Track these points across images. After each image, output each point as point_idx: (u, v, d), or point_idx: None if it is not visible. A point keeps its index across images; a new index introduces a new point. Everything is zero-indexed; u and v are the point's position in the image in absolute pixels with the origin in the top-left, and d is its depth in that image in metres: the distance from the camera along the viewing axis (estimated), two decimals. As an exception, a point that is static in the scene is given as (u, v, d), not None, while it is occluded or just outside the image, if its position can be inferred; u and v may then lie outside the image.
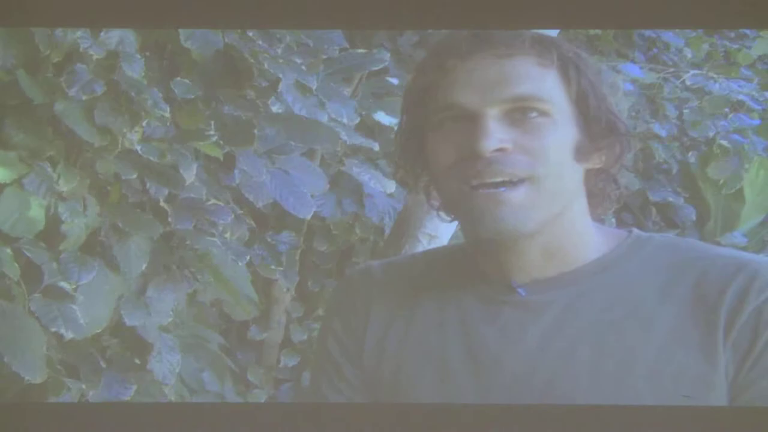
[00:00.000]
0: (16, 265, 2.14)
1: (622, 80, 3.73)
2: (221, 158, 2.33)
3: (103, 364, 2.30)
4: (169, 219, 2.30)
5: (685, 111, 4.04)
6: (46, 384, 2.15)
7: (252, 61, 2.30)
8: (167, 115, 2.20)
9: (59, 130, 2.18)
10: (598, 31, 3.93)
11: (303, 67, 2.39)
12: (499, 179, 1.16)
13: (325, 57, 2.47)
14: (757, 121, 3.89)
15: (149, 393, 2.41)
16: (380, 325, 1.29)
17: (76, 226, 2.19)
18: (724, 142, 3.89)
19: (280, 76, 2.30)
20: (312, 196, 2.49)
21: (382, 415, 1.28)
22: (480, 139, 1.16)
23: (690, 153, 4.18)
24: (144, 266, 2.26)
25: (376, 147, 2.78)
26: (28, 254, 2.15)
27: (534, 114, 1.17)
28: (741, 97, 3.92)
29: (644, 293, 1.20)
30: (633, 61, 3.97)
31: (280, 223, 2.89)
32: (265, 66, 2.30)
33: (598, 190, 1.24)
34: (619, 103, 1.24)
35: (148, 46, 2.35)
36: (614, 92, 1.23)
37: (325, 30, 2.47)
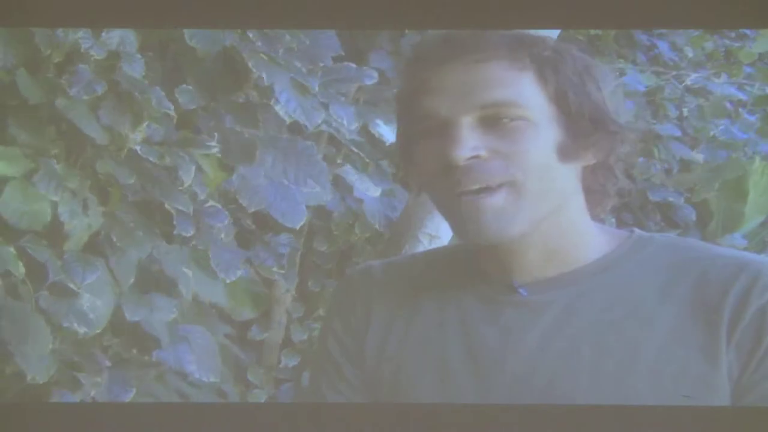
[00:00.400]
0: (20, 263, 2.14)
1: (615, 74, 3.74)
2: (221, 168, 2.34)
3: (108, 363, 2.30)
4: (174, 222, 2.30)
5: (685, 111, 4.05)
6: (50, 382, 2.16)
7: (250, 62, 2.30)
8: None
9: (61, 130, 2.18)
10: (599, 31, 3.93)
11: (303, 70, 2.39)
12: (477, 186, 1.16)
13: (321, 65, 2.47)
14: (753, 117, 3.88)
15: (151, 393, 2.41)
16: (381, 326, 1.29)
17: (78, 226, 2.20)
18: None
19: (269, 82, 2.30)
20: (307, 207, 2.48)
21: (382, 415, 1.28)
22: (453, 149, 1.15)
23: (694, 151, 4.18)
24: (132, 280, 2.26)
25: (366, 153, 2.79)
26: (31, 252, 2.16)
27: (508, 119, 1.16)
28: (742, 96, 3.92)
29: (645, 293, 1.19)
30: (634, 62, 3.97)
31: (281, 225, 2.89)
32: (260, 72, 2.29)
33: (597, 186, 1.24)
34: (611, 97, 1.22)
35: (150, 46, 2.35)
36: (604, 87, 1.21)
37: (322, 34, 2.47)
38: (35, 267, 2.16)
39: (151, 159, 2.21)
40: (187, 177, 2.22)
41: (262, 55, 2.33)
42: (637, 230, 1.27)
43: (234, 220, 2.50)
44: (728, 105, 4.05)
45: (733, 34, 4.28)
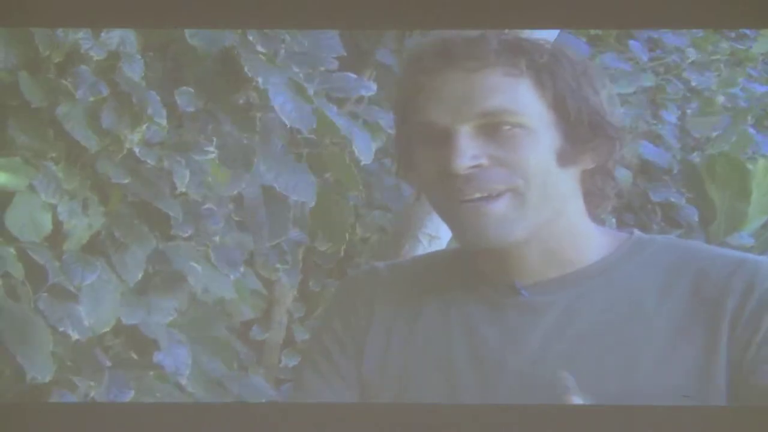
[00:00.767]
0: (20, 264, 2.14)
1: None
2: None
3: (108, 363, 2.31)
4: (172, 223, 2.30)
5: (688, 111, 4.04)
6: (50, 383, 2.16)
7: (246, 66, 2.30)
8: (164, 123, 2.20)
9: (61, 131, 2.18)
10: (599, 31, 3.93)
11: (301, 75, 2.39)
12: (479, 195, 1.17)
13: (322, 68, 2.47)
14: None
15: (152, 392, 2.41)
16: (383, 327, 1.29)
17: (77, 227, 2.20)
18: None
19: (264, 85, 2.30)
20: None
21: (383, 415, 1.28)
22: (453, 158, 1.16)
23: (695, 153, 4.18)
24: (140, 275, 2.26)
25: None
26: (31, 254, 2.16)
27: (508, 126, 1.16)
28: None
29: (645, 294, 1.20)
30: (635, 62, 3.96)
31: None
32: (255, 75, 2.29)
33: (596, 189, 1.24)
34: (608, 100, 1.22)
35: (151, 46, 2.36)
36: (601, 89, 1.21)
37: (323, 34, 2.47)
38: (35, 268, 2.16)
39: (149, 162, 2.20)
40: (181, 182, 2.23)
41: (261, 56, 2.33)
42: (636, 231, 1.27)
43: (238, 216, 2.50)
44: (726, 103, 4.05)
45: (733, 35, 4.28)
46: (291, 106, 2.35)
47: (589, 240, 1.24)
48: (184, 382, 2.39)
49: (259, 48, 2.34)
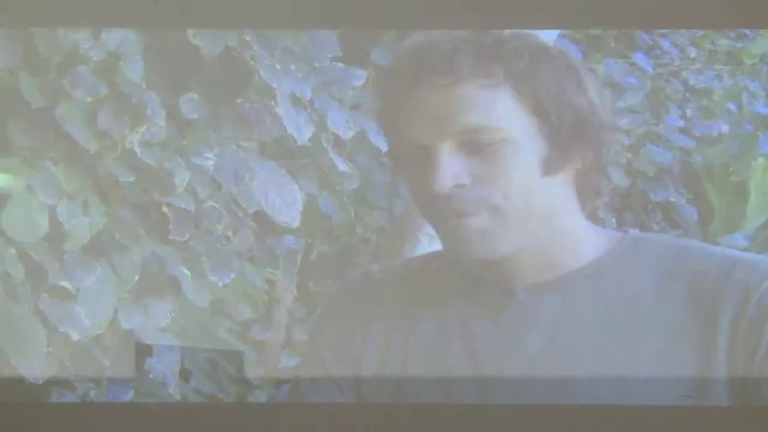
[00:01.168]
0: (21, 265, 2.14)
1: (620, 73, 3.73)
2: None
3: (107, 363, 2.31)
4: (170, 227, 2.31)
5: (689, 111, 4.04)
6: (50, 382, 2.16)
7: (252, 64, 2.30)
8: (162, 124, 2.21)
9: (60, 131, 2.18)
10: (599, 31, 3.92)
11: (298, 74, 2.40)
12: (461, 213, 1.15)
13: (317, 65, 2.48)
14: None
15: (152, 393, 2.41)
16: (381, 334, 1.28)
17: (78, 227, 2.20)
18: (725, 127, 3.87)
19: (274, 86, 2.31)
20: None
21: (383, 415, 1.28)
22: (435, 178, 1.14)
23: (696, 152, 4.17)
24: (136, 277, 2.26)
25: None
26: (32, 254, 2.16)
27: (489, 143, 1.14)
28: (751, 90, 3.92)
29: (641, 293, 1.19)
30: (642, 72, 3.96)
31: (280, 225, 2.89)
32: (261, 74, 2.30)
33: (590, 187, 1.22)
34: (597, 97, 1.19)
35: (151, 46, 2.36)
36: (589, 86, 1.18)
37: (320, 35, 2.47)
38: (35, 268, 2.16)
39: (149, 162, 2.21)
40: (182, 183, 2.23)
41: (265, 61, 2.34)
42: (631, 231, 1.26)
43: (234, 220, 2.50)
44: (732, 106, 4.04)
45: (733, 35, 4.28)
46: (288, 116, 2.36)
47: (583, 240, 1.23)
48: (171, 390, 2.39)
49: (257, 48, 2.34)
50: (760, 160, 4.04)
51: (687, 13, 1.52)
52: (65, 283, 2.18)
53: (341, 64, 2.56)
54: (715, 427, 1.18)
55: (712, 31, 4.14)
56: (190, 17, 1.74)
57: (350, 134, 2.61)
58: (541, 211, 1.18)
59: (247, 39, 2.33)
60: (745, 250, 3.93)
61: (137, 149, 2.21)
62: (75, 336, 2.16)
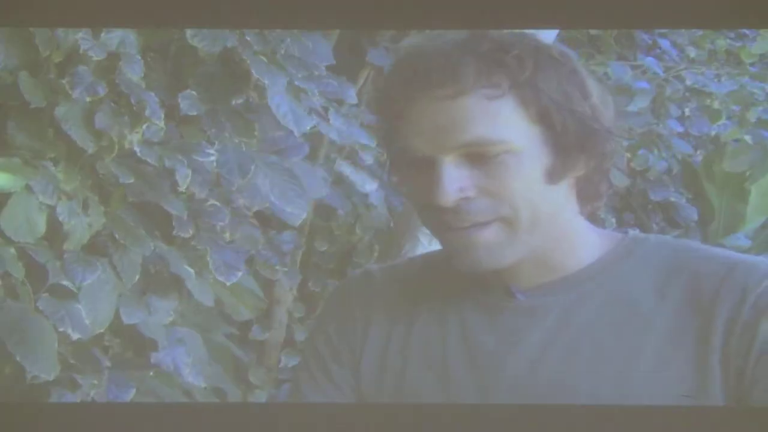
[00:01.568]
0: (20, 264, 2.14)
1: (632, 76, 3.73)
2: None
3: (108, 363, 2.31)
4: (174, 224, 2.31)
5: (687, 111, 4.04)
6: (50, 382, 2.16)
7: (248, 62, 2.31)
8: (161, 124, 2.21)
9: (61, 131, 2.18)
10: (599, 31, 3.92)
11: (300, 75, 2.40)
12: (467, 224, 1.14)
13: (316, 73, 2.48)
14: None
15: (154, 392, 2.41)
16: (381, 333, 1.28)
17: (78, 227, 2.20)
18: (748, 138, 3.87)
19: (266, 82, 2.31)
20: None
21: (383, 415, 1.28)
22: (439, 191, 1.12)
23: (697, 152, 4.17)
24: (137, 277, 2.27)
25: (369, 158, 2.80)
26: (31, 254, 2.16)
27: (493, 155, 1.12)
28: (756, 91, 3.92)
29: (640, 294, 1.19)
30: (651, 75, 3.96)
31: (282, 223, 2.89)
32: (259, 75, 2.30)
33: (590, 190, 1.22)
34: (601, 100, 1.18)
35: (151, 47, 2.36)
36: (591, 91, 1.17)
37: (315, 43, 2.48)
38: (35, 268, 2.17)
39: (150, 161, 2.21)
40: (183, 181, 2.23)
41: (261, 57, 2.34)
42: (631, 231, 1.26)
43: (236, 218, 2.51)
44: (734, 107, 4.05)
45: (733, 35, 4.28)
46: (286, 109, 2.36)
47: (583, 242, 1.23)
48: (190, 379, 2.39)
49: (257, 48, 2.34)
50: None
51: (687, 13, 1.52)
52: (66, 283, 2.18)
53: (335, 82, 2.57)
54: (715, 427, 1.18)
55: (712, 32, 4.14)
56: (189, 17, 1.74)
57: (356, 125, 2.62)
58: (545, 218, 1.17)
59: (249, 39, 2.34)
60: (748, 249, 3.93)
61: (137, 148, 2.21)
62: (75, 336, 2.16)
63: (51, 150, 2.20)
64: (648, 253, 1.22)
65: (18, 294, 2.15)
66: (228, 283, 2.40)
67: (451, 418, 1.23)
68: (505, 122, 1.12)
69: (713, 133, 4.13)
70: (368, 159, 2.87)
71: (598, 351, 1.17)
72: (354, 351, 1.29)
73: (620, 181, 3.62)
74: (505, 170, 1.13)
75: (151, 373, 2.39)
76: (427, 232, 2.61)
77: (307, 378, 1.32)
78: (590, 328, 1.19)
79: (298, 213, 2.45)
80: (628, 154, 3.77)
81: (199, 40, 2.30)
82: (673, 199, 4.10)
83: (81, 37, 2.15)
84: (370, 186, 2.89)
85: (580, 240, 1.23)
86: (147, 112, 2.16)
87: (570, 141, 1.15)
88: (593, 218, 1.27)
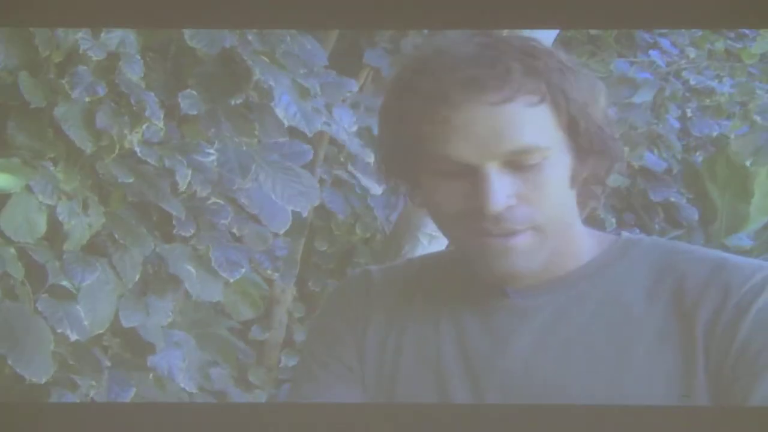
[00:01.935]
0: (20, 264, 2.15)
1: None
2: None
3: (108, 363, 2.31)
4: (174, 223, 2.31)
5: (689, 111, 4.05)
6: (50, 382, 2.16)
7: (250, 62, 2.31)
8: (161, 124, 2.21)
9: (60, 131, 2.18)
10: (599, 31, 3.93)
11: (301, 71, 2.40)
12: (505, 232, 1.14)
13: (315, 68, 2.49)
14: None
15: (152, 392, 2.41)
16: (379, 334, 1.28)
17: (77, 227, 2.20)
18: (758, 118, 3.87)
19: (272, 83, 2.31)
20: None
21: (382, 415, 1.28)
22: (487, 200, 1.12)
23: (698, 152, 4.18)
24: (137, 277, 2.27)
25: (371, 158, 2.80)
26: (31, 254, 2.16)
27: (533, 161, 1.13)
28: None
29: (632, 295, 1.20)
30: (655, 69, 3.96)
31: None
32: (262, 75, 2.30)
33: (587, 193, 1.23)
34: (606, 107, 1.19)
35: (151, 47, 2.36)
36: (599, 99, 1.18)
37: (309, 43, 2.48)
38: (35, 268, 2.17)
39: (149, 161, 2.21)
40: (183, 181, 2.23)
41: (263, 56, 2.34)
42: (624, 233, 1.27)
43: (240, 216, 2.51)
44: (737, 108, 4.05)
45: (733, 35, 4.28)
46: (295, 108, 2.36)
47: (580, 244, 1.24)
48: (182, 385, 2.39)
49: (258, 47, 2.35)
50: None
51: (687, 13, 1.52)
52: (65, 283, 2.18)
53: (333, 72, 2.57)
54: (703, 427, 1.18)
55: (711, 33, 4.14)
56: (189, 18, 1.74)
57: (355, 128, 2.62)
58: (566, 221, 1.19)
59: (250, 38, 2.34)
60: (750, 249, 3.93)
61: (137, 148, 2.21)
62: (74, 337, 2.16)
63: (51, 150, 2.20)
64: (640, 254, 1.23)
65: (17, 295, 2.15)
66: (231, 280, 2.40)
67: (448, 419, 1.23)
68: (542, 129, 1.14)
69: (714, 134, 4.13)
70: (367, 162, 2.88)
71: (590, 351, 1.18)
72: (353, 350, 1.29)
73: (620, 182, 3.62)
74: (542, 177, 1.14)
75: (150, 376, 2.39)
76: (427, 232, 2.63)
77: (307, 378, 1.32)
78: (582, 329, 1.19)
79: (301, 211, 2.45)
80: (627, 148, 3.77)
81: (198, 41, 2.30)
82: (673, 199, 4.10)
83: (81, 37, 2.15)
84: (376, 190, 2.89)
85: (578, 242, 1.24)
86: (147, 112, 2.16)
87: (587, 147, 1.17)
88: (592, 219, 1.27)
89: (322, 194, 2.78)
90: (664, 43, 4.12)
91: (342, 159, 2.99)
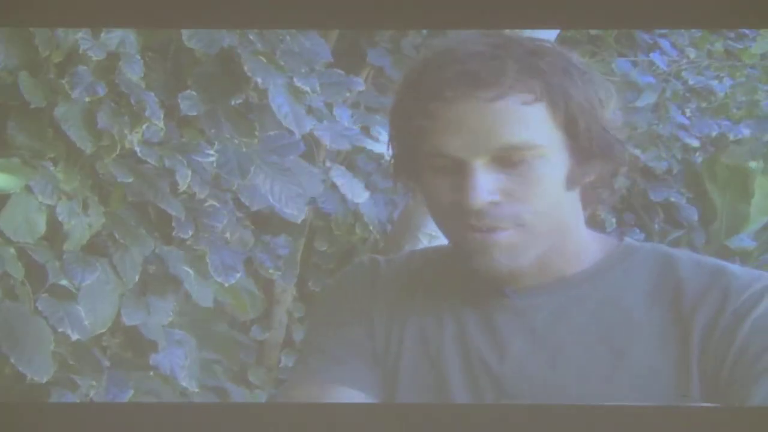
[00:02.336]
0: (20, 264, 2.14)
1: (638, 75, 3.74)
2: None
3: (107, 363, 2.31)
4: (173, 224, 2.31)
5: (688, 111, 4.04)
6: (50, 382, 2.16)
7: (246, 63, 2.31)
8: (161, 124, 2.21)
9: (60, 131, 2.18)
10: (599, 31, 3.93)
11: (302, 70, 2.40)
12: (488, 227, 1.15)
13: (317, 68, 2.49)
14: None
15: (152, 392, 2.41)
16: (382, 326, 1.28)
17: (77, 227, 2.20)
18: (747, 132, 3.88)
19: (264, 86, 2.31)
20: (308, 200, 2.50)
21: (382, 415, 1.28)
22: (469, 194, 1.13)
23: (697, 153, 4.17)
24: (137, 277, 2.27)
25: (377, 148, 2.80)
26: (31, 254, 2.16)
27: (523, 159, 1.14)
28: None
29: (631, 299, 1.20)
30: (656, 71, 3.96)
31: (280, 226, 2.89)
32: (255, 76, 2.30)
33: (594, 197, 1.23)
34: (614, 110, 1.19)
35: (150, 47, 2.36)
36: (608, 102, 1.18)
37: (312, 41, 2.48)
38: (35, 268, 2.17)
39: (149, 161, 2.21)
40: (184, 181, 2.23)
41: (260, 57, 2.34)
42: (627, 239, 1.27)
43: (233, 219, 2.51)
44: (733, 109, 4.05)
45: (732, 35, 4.28)
46: (287, 109, 2.36)
47: (583, 248, 1.24)
48: (184, 383, 2.39)
49: (258, 46, 2.35)
50: (763, 161, 4.05)
51: (687, 13, 1.52)
52: (65, 283, 2.18)
53: (339, 71, 2.57)
54: (707, 427, 1.18)
55: (712, 32, 4.14)
56: (189, 18, 1.74)
57: (356, 128, 2.62)
58: (560, 224, 1.19)
59: (251, 38, 2.34)
60: (752, 250, 3.93)
61: (137, 148, 2.21)
62: (74, 336, 2.16)
63: (51, 150, 2.20)
64: (641, 260, 1.23)
65: (17, 295, 2.15)
66: (226, 284, 2.40)
67: (448, 419, 1.23)
68: (536, 127, 1.14)
69: (714, 133, 4.12)
70: (367, 162, 2.88)
71: (588, 352, 1.18)
72: (362, 331, 1.29)
73: (621, 182, 3.61)
74: (532, 175, 1.14)
75: (151, 374, 2.39)
76: (428, 232, 2.63)
77: (315, 350, 1.31)
78: (581, 330, 1.19)
79: (296, 214, 2.45)
80: (638, 150, 3.77)
81: (196, 41, 2.30)
82: (673, 199, 4.09)
83: (81, 37, 2.15)
84: (361, 197, 2.88)
85: (581, 245, 1.24)
86: (147, 113, 2.17)
87: (589, 150, 1.16)
88: (593, 220, 1.27)
89: (318, 195, 2.77)
90: (664, 43, 4.12)
91: (328, 164, 2.99)
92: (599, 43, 4.03)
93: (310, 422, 1.29)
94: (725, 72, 4.11)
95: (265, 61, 2.34)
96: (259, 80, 2.30)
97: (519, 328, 1.21)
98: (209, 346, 2.67)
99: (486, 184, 1.13)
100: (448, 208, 1.17)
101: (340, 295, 1.35)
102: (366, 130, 2.86)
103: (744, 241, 4.05)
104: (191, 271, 2.36)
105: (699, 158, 4.19)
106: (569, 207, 1.20)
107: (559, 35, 2.71)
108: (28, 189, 2.15)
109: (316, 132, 2.59)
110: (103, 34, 2.18)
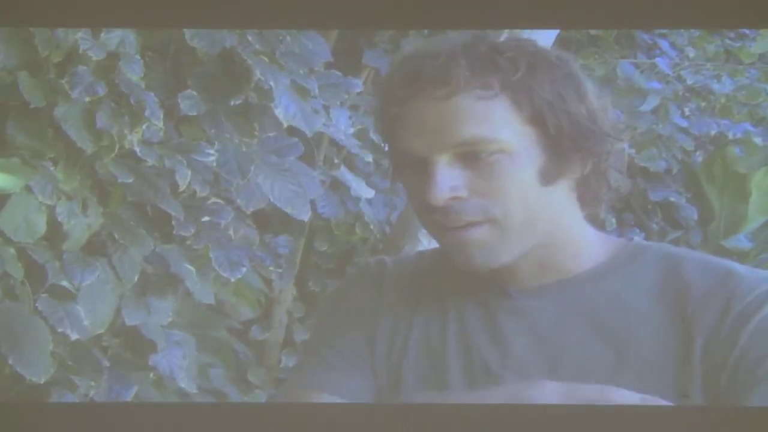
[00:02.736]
0: (20, 264, 2.15)
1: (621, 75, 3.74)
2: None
3: (107, 363, 2.31)
4: (173, 223, 2.31)
5: (687, 111, 4.04)
6: (50, 382, 2.16)
7: (250, 62, 2.30)
8: (161, 125, 2.21)
9: (60, 131, 2.18)
10: (599, 31, 3.93)
11: (301, 71, 2.40)
12: (459, 224, 1.15)
13: (315, 69, 2.49)
14: None
15: (153, 392, 2.41)
16: (388, 325, 1.29)
17: (77, 227, 2.20)
18: (758, 141, 3.89)
19: (271, 83, 2.31)
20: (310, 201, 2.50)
21: (383, 415, 1.28)
22: (431, 190, 1.14)
23: (697, 152, 4.17)
24: (136, 277, 2.27)
25: (369, 157, 2.81)
26: (31, 254, 2.16)
27: (486, 154, 1.14)
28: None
29: (636, 300, 1.20)
30: (661, 76, 3.96)
31: (281, 225, 2.90)
32: (261, 75, 2.30)
33: (590, 193, 1.23)
34: (599, 103, 1.19)
35: (151, 46, 2.36)
36: (587, 93, 1.18)
37: (312, 40, 2.48)
38: (35, 268, 2.17)
39: (149, 161, 2.21)
40: (184, 181, 2.23)
41: (263, 56, 2.34)
42: (636, 238, 1.27)
43: (237, 217, 2.51)
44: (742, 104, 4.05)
45: (732, 35, 4.28)
46: (295, 109, 2.36)
47: (586, 247, 1.24)
48: (183, 385, 2.39)
49: (258, 47, 2.35)
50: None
51: (687, 13, 1.52)
52: (65, 283, 2.18)
53: (338, 72, 2.57)
54: (714, 427, 1.18)
55: (711, 32, 4.14)
56: (189, 18, 1.74)
57: (352, 131, 2.63)
58: (541, 220, 1.18)
59: (250, 39, 2.34)
60: (749, 250, 3.93)
61: (137, 148, 2.21)
62: (74, 336, 2.16)
63: (50, 150, 2.20)
64: (648, 260, 1.23)
65: (17, 295, 2.15)
66: (233, 279, 2.40)
67: (448, 419, 1.23)
68: (497, 122, 1.14)
69: (713, 132, 4.12)
70: (367, 162, 2.88)
71: (589, 354, 1.18)
72: (363, 340, 1.29)
73: (621, 182, 3.61)
74: (498, 170, 1.14)
75: (151, 375, 2.39)
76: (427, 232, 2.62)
77: (315, 360, 1.31)
78: (583, 332, 1.19)
79: (299, 214, 2.45)
80: (634, 150, 3.78)
81: (198, 40, 2.30)
82: (672, 199, 4.09)
83: (80, 37, 2.15)
84: (367, 193, 2.89)
85: (583, 244, 1.24)
86: (147, 113, 2.16)
87: (564, 142, 1.16)
88: (593, 220, 1.27)
89: (318, 198, 2.77)
90: (664, 44, 4.12)
91: (336, 161, 2.99)
92: (599, 44, 4.03)
93: (310, 422, 1.29)
94: (725, 72, 4.11)
95: (267, 61, 2.34)
96: (271, 83, 2.30)
97: (521, 329, 1.21)
98: (205, 350, 2.67)
99: (448, 180, 1.14)
100: (421, 206, 1.18)
101: (345, 300, 1.35)
102: (365, 132, 2.86)
103: (741, 241, 4.05)
104: (192, 269, 2.36)
105: (699, 157, 4.19)
106: (553, 203, 1.19)
107: (559, 35, 2.71)
108: (28, 189, 2.15)
109: (325, 130, 2.58)
110: (102, 34, 2.18)
